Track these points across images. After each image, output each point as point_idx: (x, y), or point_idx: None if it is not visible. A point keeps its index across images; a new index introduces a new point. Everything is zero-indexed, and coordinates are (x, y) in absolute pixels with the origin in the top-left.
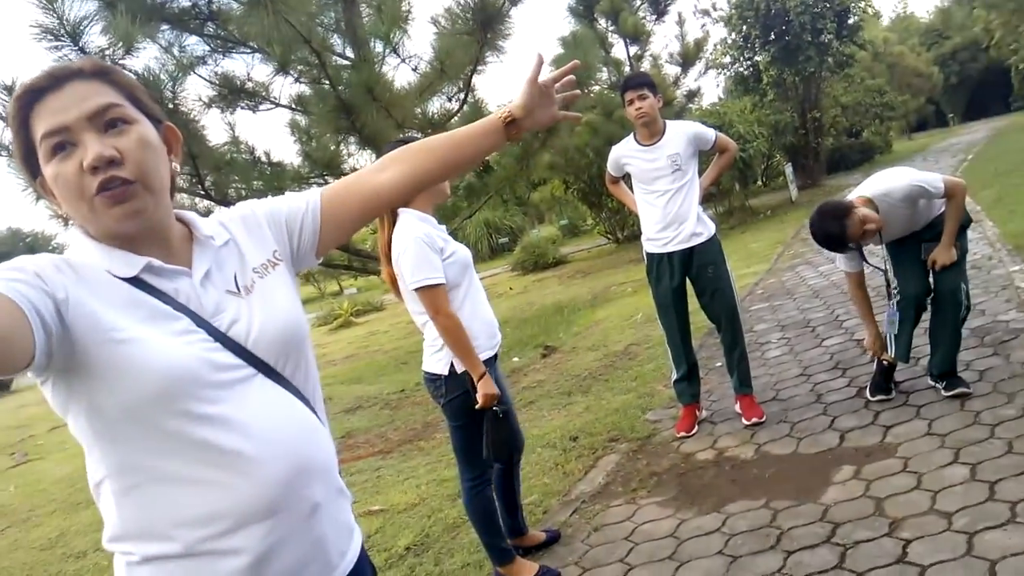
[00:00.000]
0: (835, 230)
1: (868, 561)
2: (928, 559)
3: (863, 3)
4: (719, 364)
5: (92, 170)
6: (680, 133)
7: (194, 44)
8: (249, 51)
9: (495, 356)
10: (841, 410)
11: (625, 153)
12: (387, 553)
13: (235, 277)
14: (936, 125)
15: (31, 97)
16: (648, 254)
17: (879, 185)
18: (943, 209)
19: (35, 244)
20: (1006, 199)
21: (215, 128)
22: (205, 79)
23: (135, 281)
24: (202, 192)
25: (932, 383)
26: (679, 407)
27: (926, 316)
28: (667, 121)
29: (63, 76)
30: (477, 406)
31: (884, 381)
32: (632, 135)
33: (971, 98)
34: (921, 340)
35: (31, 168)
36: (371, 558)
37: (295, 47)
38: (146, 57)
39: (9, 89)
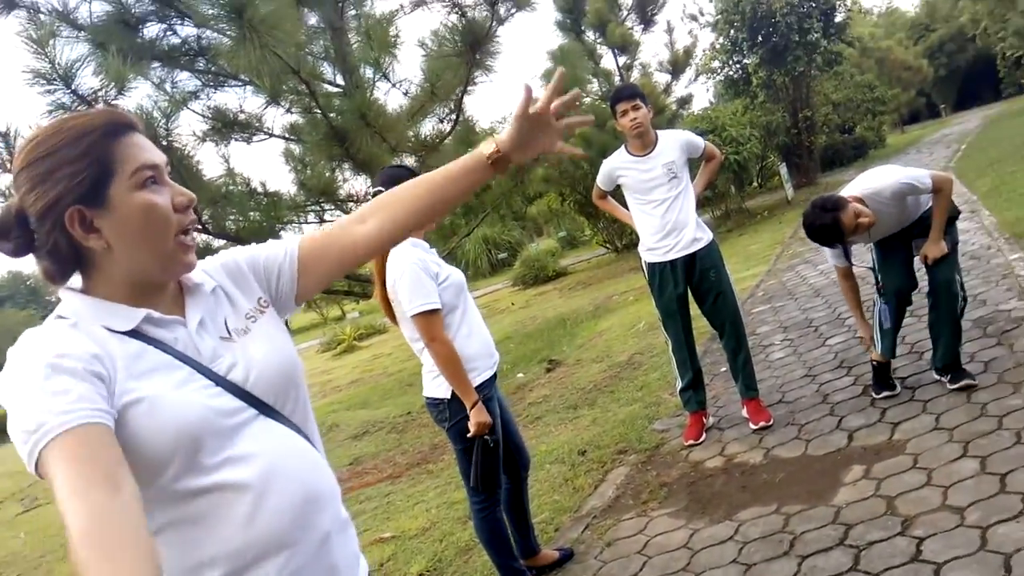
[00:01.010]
0: (829, 222)
1: (883, 561)
2: (943, 556)
3: (849, 1)
4: (723, 369)
5: (184, 209)
6: (673, 141)
7: (186, 80)
8: (240, 83)
9: (494, 376)
10: (848, 409)
11: (619, 165)
12: None
13: (226, 322)
14: (928, 117)
15: (116, 128)
16: (649, 264)
17: (868, 184)
18: (931, 204)
19: (37, 287)
20: (1002, 188)
21: (210, 162)
22: (198, 113)
23: (134, 334)
24: (199, 227)
25: (937, 377)
26: (686, 415)
27: (924, 312)
28: (657, 131)
29: (136, 125)
30: (469, 434)
31: (883, 378)
32: (623, 147)
33: (961, 87)
34: (925, 334)
35: (88, 194)
36: None
37: (284, 78)
38: (138, 96)
39: (4, 136)
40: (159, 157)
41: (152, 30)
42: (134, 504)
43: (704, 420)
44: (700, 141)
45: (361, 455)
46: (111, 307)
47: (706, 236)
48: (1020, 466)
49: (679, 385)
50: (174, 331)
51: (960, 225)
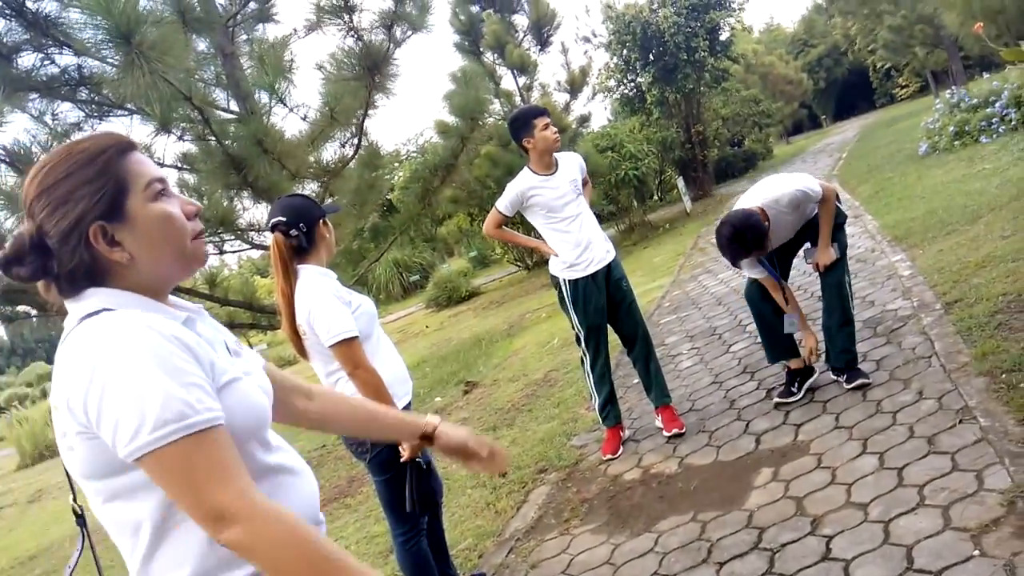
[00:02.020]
0: (742, 252)
1: (796, 562)
2: (850, 552)
3: (732, 19)
4: (635, 382)
5: (193, 217)
6: (571, 160)
7: (67, 111)
8: (127, 112)
9: (409, 404)
10: (754, 413)
11: (531, 186)
12: None
13: (226, 343)
14: (811, 127)
15: (124, 147)
16: (571, 282)
17: (768, 193)
18: (815, 211)
19: None
20: (881, 193)
21: None
22: None
23: None
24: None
25: (834, 377)
26: (603, 430)
27: (818, 315)
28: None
29: (135, 143)
30: (403, 459)
31: (799, 381)
32: (527, 169)
33: (839, 99)
34: (820, 336)
35: (109, 210)
36: None
37: (175, 105)
38: (15, 129)
39: None
40: (162, 172)
41: (28, 60)
42: None
43: (621, 433)
44: (584, 164)
45: None
46: (156, 304)
47: (611, 247)
48: (914, 459)
49: (597, 401)
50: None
51: (847, 229)
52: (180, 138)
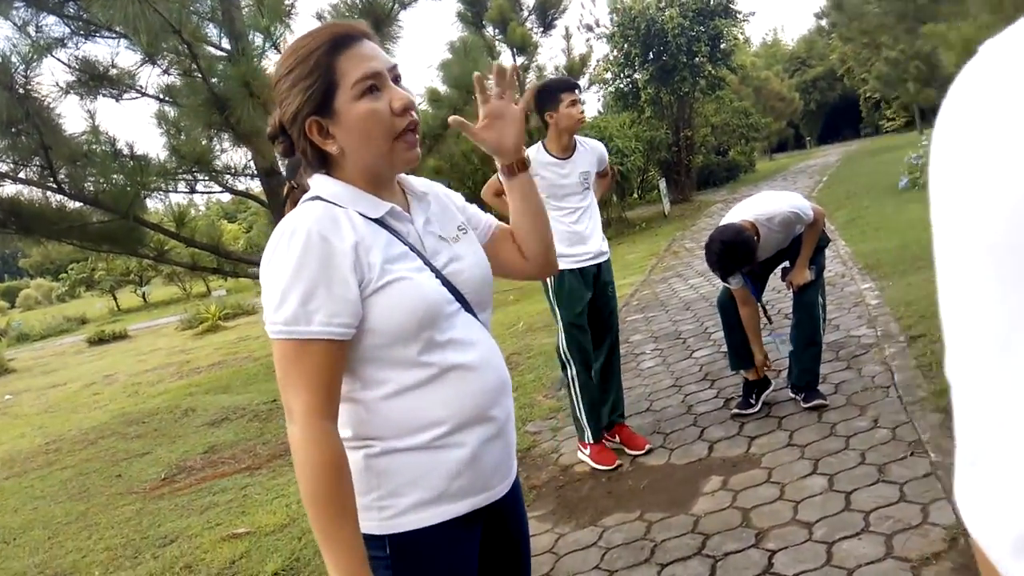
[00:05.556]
0: (732, 268)
1: (737, 573)
2: (792, 569)
3: (735, 29)
4: None
5: (402, 112)
6: (590, 151)
7: (53, 24)
8: (114, 36)
9: None
10: (710, 421)
11: (539, 161)
12: None
13: (439, 233)
14: (795, 147)
15: (340, 42)
16: (559, 271)
17: (760, 209)
18: (800, 231)
19: None
20: (857, 220)
21: (72, 116)
22: (64, 63)
23: (379, 222)
24: (54, 186)
25: (792, 395)
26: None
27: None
28: (576, 137)
29: (363, 33)
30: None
31: (755, 393)
32: (541, 145)
33: (826, 122)
34: (781, 352)
35: (320, 106)
36: None
37: (163, 36)
38: None
39: None
40: (381, 64)
41: None
42: (338, 431)
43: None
44: (606, 157)
45: (218, 443)
46: (363, 195)
47: (607, 249)
48: (863, 485)
49: (590, 435)
50: (406, 226)
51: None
52: (166, 71)
